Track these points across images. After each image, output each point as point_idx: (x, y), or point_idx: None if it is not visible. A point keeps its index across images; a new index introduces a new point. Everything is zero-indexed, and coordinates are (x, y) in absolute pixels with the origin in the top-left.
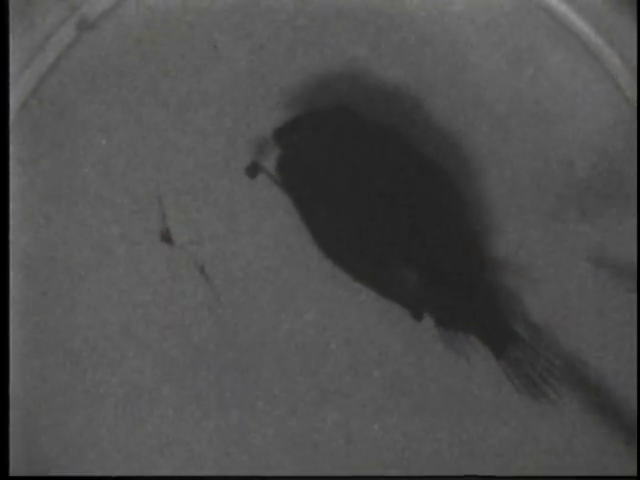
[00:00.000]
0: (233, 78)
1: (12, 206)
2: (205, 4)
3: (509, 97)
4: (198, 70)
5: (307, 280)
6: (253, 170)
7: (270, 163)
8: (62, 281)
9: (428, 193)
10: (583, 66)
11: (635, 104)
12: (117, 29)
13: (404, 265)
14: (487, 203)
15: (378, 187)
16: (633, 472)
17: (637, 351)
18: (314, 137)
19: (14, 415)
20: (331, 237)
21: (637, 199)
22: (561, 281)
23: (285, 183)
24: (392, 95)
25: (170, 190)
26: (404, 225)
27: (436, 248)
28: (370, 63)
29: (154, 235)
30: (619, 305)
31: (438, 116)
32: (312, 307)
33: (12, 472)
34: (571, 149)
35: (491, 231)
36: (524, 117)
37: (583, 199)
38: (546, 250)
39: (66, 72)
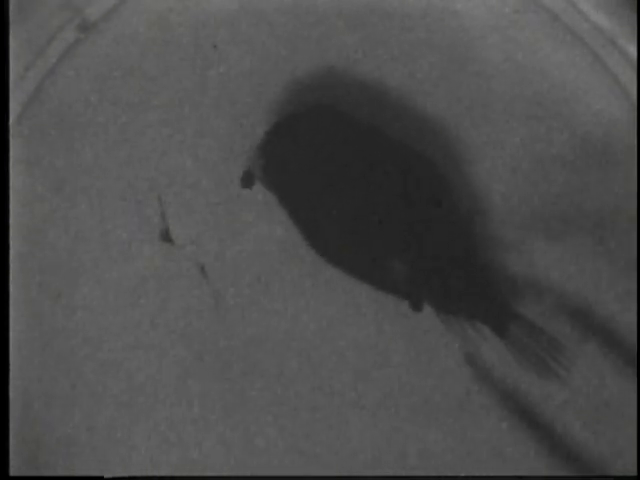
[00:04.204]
0: (233, 78)
1: (12, 206)
2: (205, 5)
3: (508, 96)
4: (198, 70)
5: (307, 280)
6: (247, 180)
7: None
8: (62, 281)
9: (415, 184)
10: (583, 65)
11: (635, 103)
12: (117, 30)
13: (395, 258)
14: (480, 198)
15: (364, 182)
16: (633, 472)
17: (637, 345)
18: (296, 139)
19: (14, 415)
20: (322, 235)
21: (637, 199)
22: (558, 255)
23: (272, 186)
24: (388, 95)
25: (170, 190)
26: (391, 218)
27: (425, 237)
28: (369, 63)
29: (154, 235)
30: (619, 276)
31: (436, 115)
32: (312, 307)
33: (12, 472)
34: (570, 148)
35: (481, 213)
36: (523, 116)
37: (582, 198)
38: (540, 224)
39: (67, 73)
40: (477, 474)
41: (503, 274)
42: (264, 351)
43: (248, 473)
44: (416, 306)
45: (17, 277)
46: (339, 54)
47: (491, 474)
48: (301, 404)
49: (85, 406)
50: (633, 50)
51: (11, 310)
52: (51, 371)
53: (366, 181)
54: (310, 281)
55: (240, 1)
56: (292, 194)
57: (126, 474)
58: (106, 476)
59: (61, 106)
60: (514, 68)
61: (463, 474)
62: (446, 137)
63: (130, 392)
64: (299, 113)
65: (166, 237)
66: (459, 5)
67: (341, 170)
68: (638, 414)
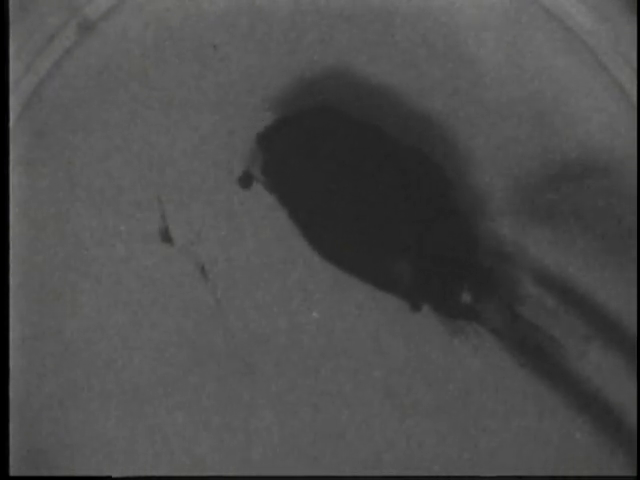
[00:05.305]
0: (233, 78)
1: (12, 206)
2: (204, 5)
3: (508, 96)
4: (198, 71)
5: (307, 280)
6: (246, 180)
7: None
8: (62, 281)
9: (415, 184)
10: (582, 65)
11: (635, 103)
12: (117, 30)
13: (395, 257)
14: (481, 198)
15: (364, 182)
16: (633, 472)
17: (637, 344)
18: (296, 139)
19: (14, 415)
20: (322, 235)
21: (637, 198)
22: (559, 254)
23: (271, 186)
24: (389, 94)
25: (170, 190)
26: (392, 218)
27: (425, 237)
28: (370, 63)
29: (154, 235)
30: (623, 274)
31: (437, 115)
32: (312, 307)
33: (12, 472)
34: (570, 148)
35: (482, 213)
36: (523, 116)
37: (582, 198)
38: (541, 224)
39: (67, 73)
40: (477, 474)
41: (504, 274)
42: (264, 351)
43: (248, 473)
44: (416, 306)
45: (17, 277)
46: (339, 54)
47: (491, 474)
48: (301, 404)
49: (85, 406)
50: (633, 50)
51: (11, 310)
52: (51, 371)
53: (366, 181)
54: (310, 281)
55: (240, 1)
56: (292, 194)
57: (126, 474)
58: (106, 476)
59: (61, 106)
60: (513, 68)
61: (463, 474)
62: (447, 137)
63: (130, 392)
64: (299, 113)
65: (166, 237)
66: (458, 5)
67: (341, 170)
68: (638, 414)
